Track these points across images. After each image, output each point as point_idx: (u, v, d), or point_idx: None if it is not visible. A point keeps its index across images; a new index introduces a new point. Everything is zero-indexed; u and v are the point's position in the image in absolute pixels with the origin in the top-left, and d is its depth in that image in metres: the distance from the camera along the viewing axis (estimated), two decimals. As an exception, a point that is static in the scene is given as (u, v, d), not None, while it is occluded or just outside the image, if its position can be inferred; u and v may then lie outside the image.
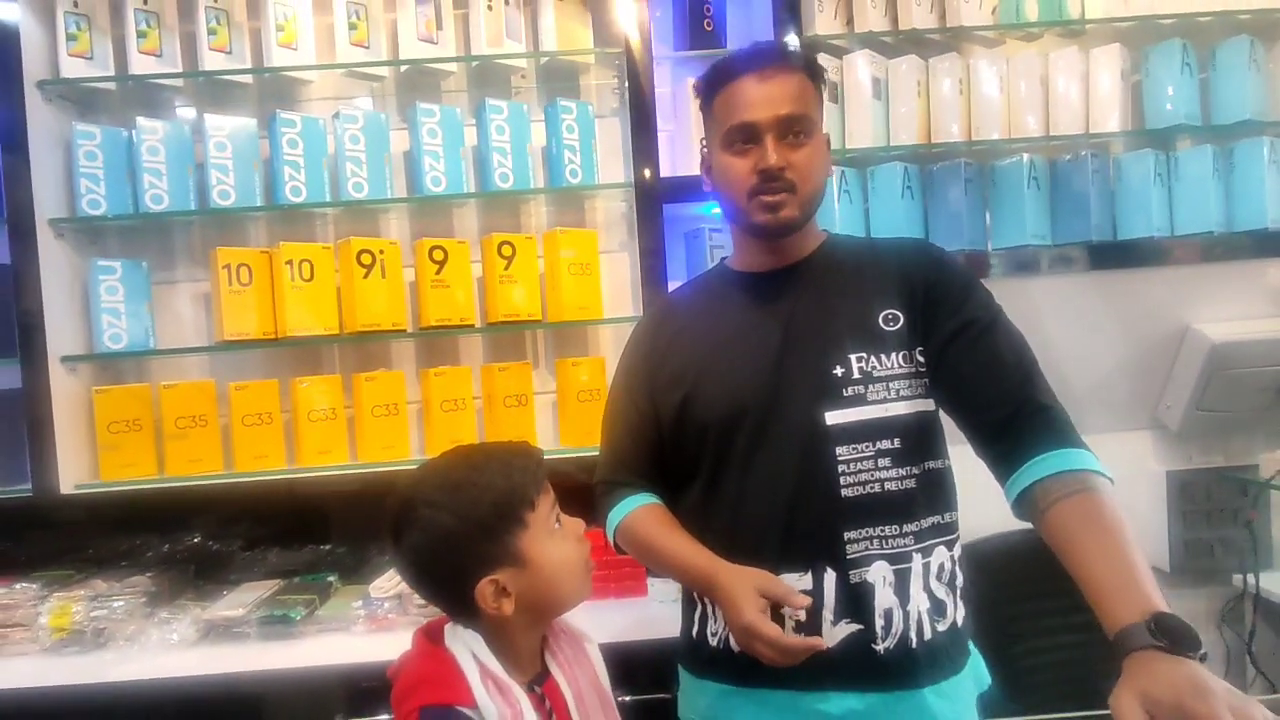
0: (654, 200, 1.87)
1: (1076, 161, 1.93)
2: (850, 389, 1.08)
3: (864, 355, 1.09)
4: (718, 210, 1.99)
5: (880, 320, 1.11)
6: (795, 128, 1.10)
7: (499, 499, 0.93)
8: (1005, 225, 1.95)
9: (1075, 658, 1.80)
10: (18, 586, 1.74)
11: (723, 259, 1.30)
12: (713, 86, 1.16)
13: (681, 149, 2.00)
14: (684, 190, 1.89)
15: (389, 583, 1.73)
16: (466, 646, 0.93)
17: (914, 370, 1.10)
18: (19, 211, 1.80)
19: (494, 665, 0.92)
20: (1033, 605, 1.84)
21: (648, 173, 1.87)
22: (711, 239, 1.92)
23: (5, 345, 1.85)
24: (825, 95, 1.19)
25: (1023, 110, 1.96)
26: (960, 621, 1.13)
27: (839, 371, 1.09)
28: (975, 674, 1.16)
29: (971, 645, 1.17)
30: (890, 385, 1.09)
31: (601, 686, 1.04)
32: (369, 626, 1.69)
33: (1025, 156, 1.92)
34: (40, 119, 1.84)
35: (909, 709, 1.07)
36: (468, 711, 0.89)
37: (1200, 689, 0.73)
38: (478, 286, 1.98)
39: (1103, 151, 1.97)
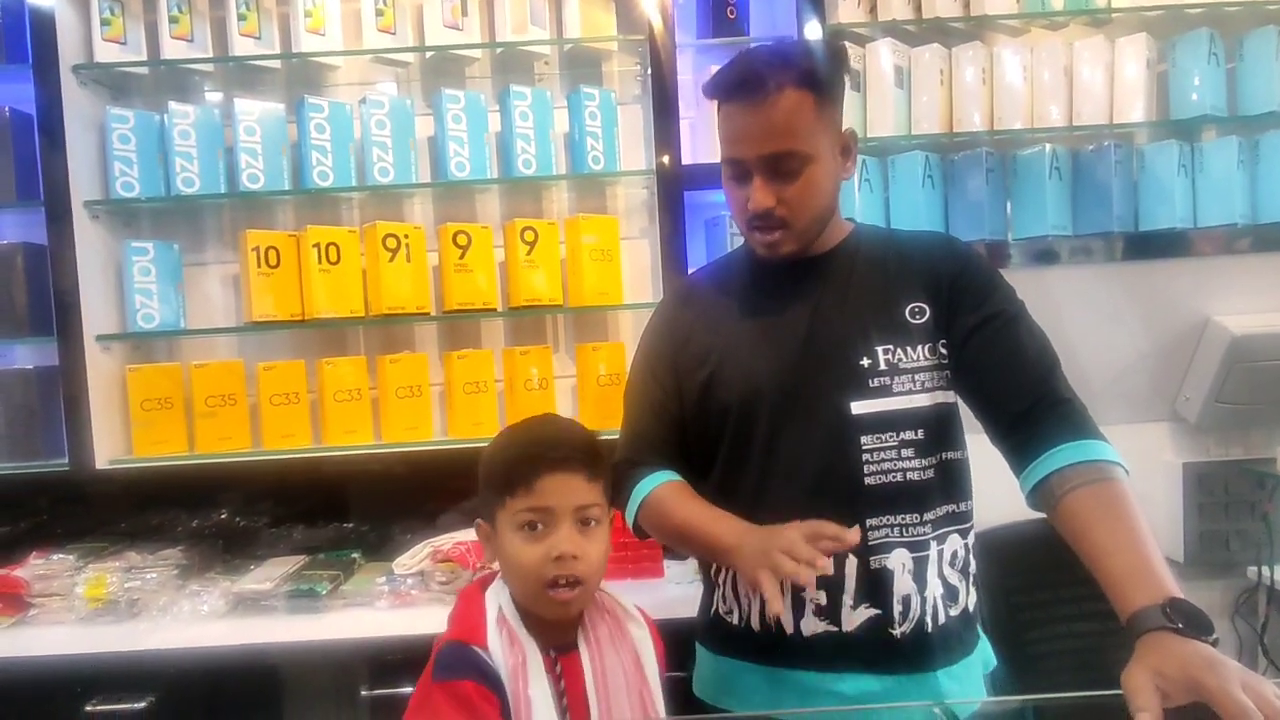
0: (675, 187, 1.89)
1: (1100, 152, 1.92)
2: (876, 380, 1.10)
3: (890, 347, 1.11)
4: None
5: (907, 313, 1.12)
6: (784, 166, 1.07)
7: (491, 469, 0.99)
8: (1026, 215, 1.95)
9: (1083, 646, 1.82)
10: (55, 557, 1.80)
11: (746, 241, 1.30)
12: (713, 99, 1.14)
13: (703, 136, 2.01)
14: (705, 178, 1.90)
15: (412, 560, 1.77)
16: (496, 597, 0.99)
17: (937, 362, 1.12)
18: (55, 193, 1.85)
19: (512, 617, 0.97)
20: (1042, 594, 1.85)
21: (669, 160, 1.89)
22: (732, 226, 1.93)
23: (43, 324, 1.90)
24: (845, 86, 1.16)
25: (1046, 100, 1.95)
26: (971, 607, 1.16)
27: (865, 363, 1.10)
28: (983, 656, 1.19)
29: (979, 628, 1.19)
30: (915, 377, 1.10)
31: (641, 669, 1.02)
32: (392, 602, 1.74)
33: (1048, 146, 1.92)
34: (75, 103, 1.88)
35: (922, 691, 1.09)
36: (479, 651, 0.94)
37: (1213, 665, 0.75)
38: (500, 271, 2.01)
39: (1126, 142, 1.96)
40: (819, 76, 1.08)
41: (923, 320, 1.12)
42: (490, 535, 1.01)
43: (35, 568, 1.77)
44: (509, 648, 0.94)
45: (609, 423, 1.93)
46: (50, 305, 1.86)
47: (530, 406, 1.95)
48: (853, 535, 0.96)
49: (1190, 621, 0.80)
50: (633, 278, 2.04)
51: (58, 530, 1.96)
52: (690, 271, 1.36)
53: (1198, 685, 0.74)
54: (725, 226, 1.96)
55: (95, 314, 1.90)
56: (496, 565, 1.03)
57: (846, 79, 1.17)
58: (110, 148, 1.89)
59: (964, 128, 1.95)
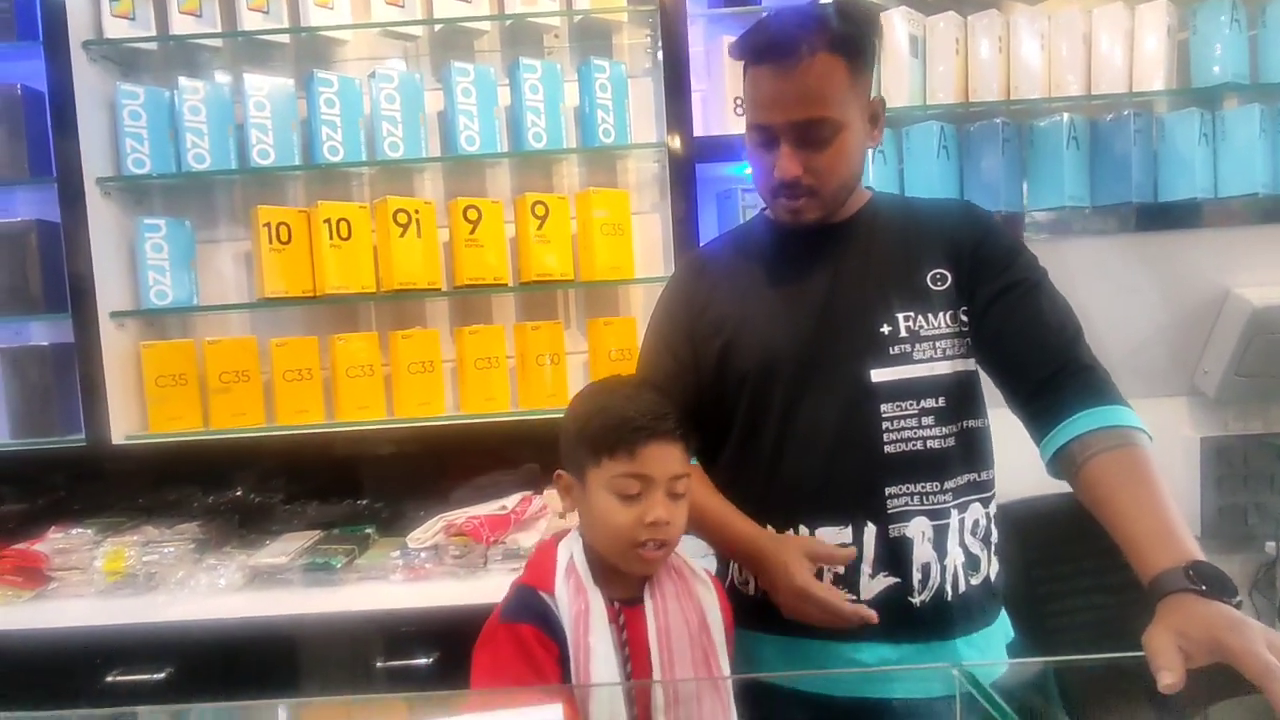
0: (687, 160, 1.87)
1: (1119, 121, 1.89)
2: (896, 347, 1.09)
3: (911, 314, 1.10)
4: (750, 171, 1.99)
5: (928, 280, 1.11)
6: (815, 134, 1.05)
7: (589, 429, 0.99)
8: (1043, 186, 1.93)
9: (1101, 619, 1.81)
10: (74, 532, 1.82)
11: (763, 209, 1.27)
12: (741, 61, 1.11)
13: (714, 109, 1.99)
14: (716, 150, 1.89)
15: (426, 534, 1.78)
16: (568, 547, 1.03)
17: (958, 330, 1.11)
18: (68, 170, 1.85)
19: (581, 565, 1.00)
20: (1061, 568, 1.85)
21: (680, 133, 1.87)
22: (744, 199, 1.91)
23: (57, 301, 1.91)
24: (878, 52, 1.13)
25: (1064, 69, 1.92)
26: (993, 576, 1.15)
27: (886, 330, 1.09)
28: (1002, 627, 1.18)
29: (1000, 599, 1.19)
30: (937, 344, 1.09)
31: (706, 628, 1.02)
32: (406, 576, 1.74)
33: (1066, 116, 1.89)
34: (86, 79, 1.88)
35: (941, 659, 1.08)
36: (544, 596, 0.98)
37: (1236, 625, 0.74)
38: (510, 246, 2.00)
39: (1146, 111, 1.93)
40: (853, 41, 1.05)
41: (944, 287, 1.11)
42: (573, 488, 1.03)
43: (54, 542, 1.79)
44: (574, 595, 0.97)
45: (621, 398, 1.94)
46: (64, 282, 1.87)
47: (542, 382, 1.95)
48: (846, 555, 1.05)
49: (1213, 583, 0.79)
50: (644, 252, 2.03)
51: (76, 505, 1.97)
52: (703, 243, 1.34)
53: (1221, 646, 0.74)
54: (737, 200, 1.94)
55: (109, 291, 1.91)
56: (570, 516, 1.06)
57: (878, 44, 1.15)
58: (121, 124, 1.89)
59: (980, 98, 1.92)
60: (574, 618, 0.95)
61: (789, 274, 1.16)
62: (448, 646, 1.60)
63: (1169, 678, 0.73)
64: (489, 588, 1.69)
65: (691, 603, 1.03)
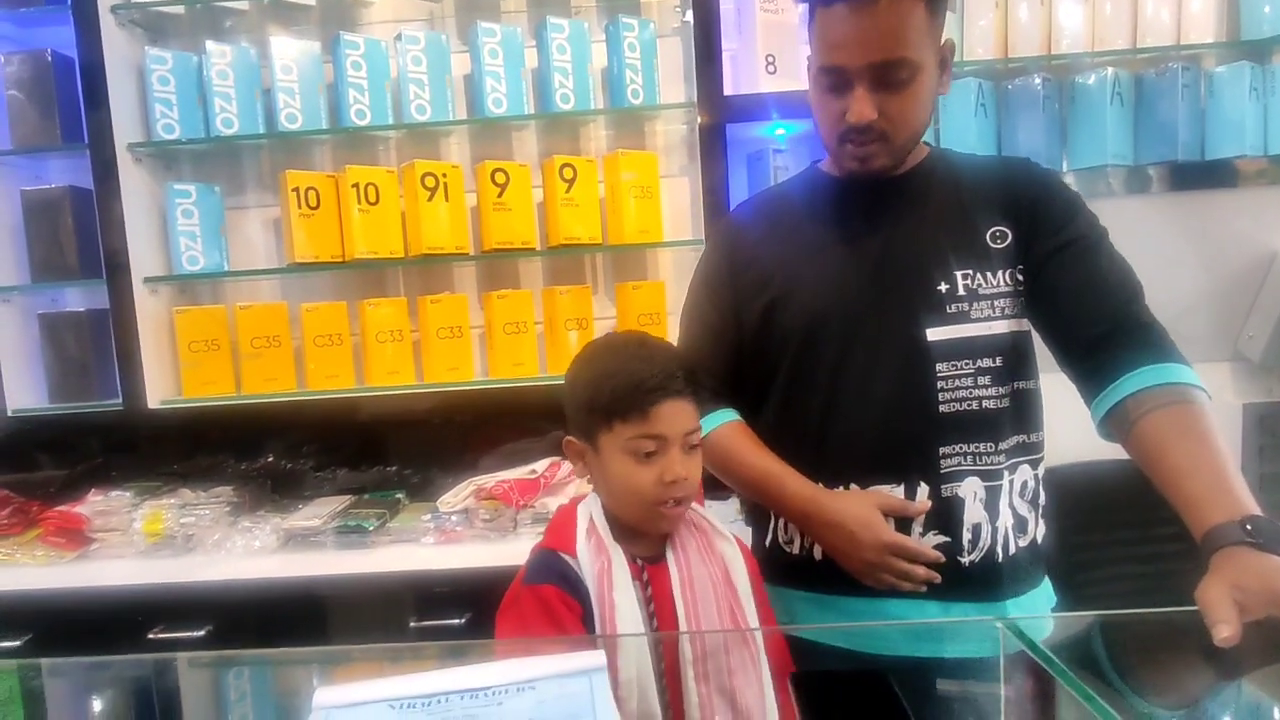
0: (717, 121, 1.84)
1: (1165, 76, 1.83)
2: (954, 305, 1.07)
3: (970, 272, 1.07)
4: (781, 131, 1.96)
5: (988, 237, 1.08)
6: (892, 76, 1.00)
7: (596, 394, 0.97)
8: (1084, 145, 1.87)
9: (1137, 589, 1.79)
10: (113, 494, 1.85)
11: (814, 162, 1.24)
12: (806, 4, 1.06)
13: (745, 68, 1.95)
14: (748, 109, 1.85)
15: (456, 497, 1.79)
16: (587, 507, 1.02)
17: (1015, 289, 1.08)
18: (99, 136, 1.86)
19: (601, 526, 0.99)
20: (1096, 535, 1.82)
21: (710, 93, 1.83)
22: (775, 159, 1.88)
23: (92, 267, 1.93)
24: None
25: (1108, 22, 1.85)
26: (1040, 539, 1.13)
27: (944, 288, 1.07)
28: (1046, 591, 1.17)
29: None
30: (995, 303, 1.07)
31: (732, 584, 1.01)
32: (438, 538, 1.76)
33: (1110, 71, 1.83)
34: (115, 44, 1.88)
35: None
36: (567, 558, 0.97)
37: None
38: (538, 211, 1.99)
39: (1194, 65, 1.86)
40: None
41: (1003, 245, 1.08)
42: (584, 453, 1.01)
43: (94, 504, 1.83)
44: (596, 554, 0.96)
45: (650, 362, 1.93)
46: (98, 249, 1.89)
47: (570, 347, 1.94)
48: (919, 508, 1.04)
49: (1271, 536, 0.77)
50: (673, 215, 2.00)
51: (113, 470, 2.01)
52: (745, 199, 1.30)
53: (1279, 598, 0.72)
54: (769, 161, 1.90)
55: (142, 257, 1.93)
56: (581, 481, 1.05)
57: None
58: (150, 89, 1.89)
59: (1020, 53, 1.87)
60: (597, 575, 0.95)
61: (842, 230, 1.13)
62: (480, 607, 1.61)
63: (1226, 630, 0.71)
64: (519, 550, 1.66)
65: (714, 557, 1.02)
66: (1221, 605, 0.73)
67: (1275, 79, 1.83)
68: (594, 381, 0.98)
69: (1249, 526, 0.78)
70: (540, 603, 0.94)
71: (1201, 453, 0.88)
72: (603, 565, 0.95)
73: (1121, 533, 1.79)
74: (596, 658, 0.67)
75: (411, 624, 1.63)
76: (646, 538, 1.01)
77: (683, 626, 0.95)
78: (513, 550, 1.69)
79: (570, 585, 0.95)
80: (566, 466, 1.87)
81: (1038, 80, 1.84)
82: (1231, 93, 1.82)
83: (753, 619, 1.00)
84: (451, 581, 1.63)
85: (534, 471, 1.81)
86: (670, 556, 1.00)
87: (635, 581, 0.96)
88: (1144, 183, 1.87)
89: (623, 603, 0.94)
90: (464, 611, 1.62)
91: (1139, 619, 0.89)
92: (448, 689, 0.66)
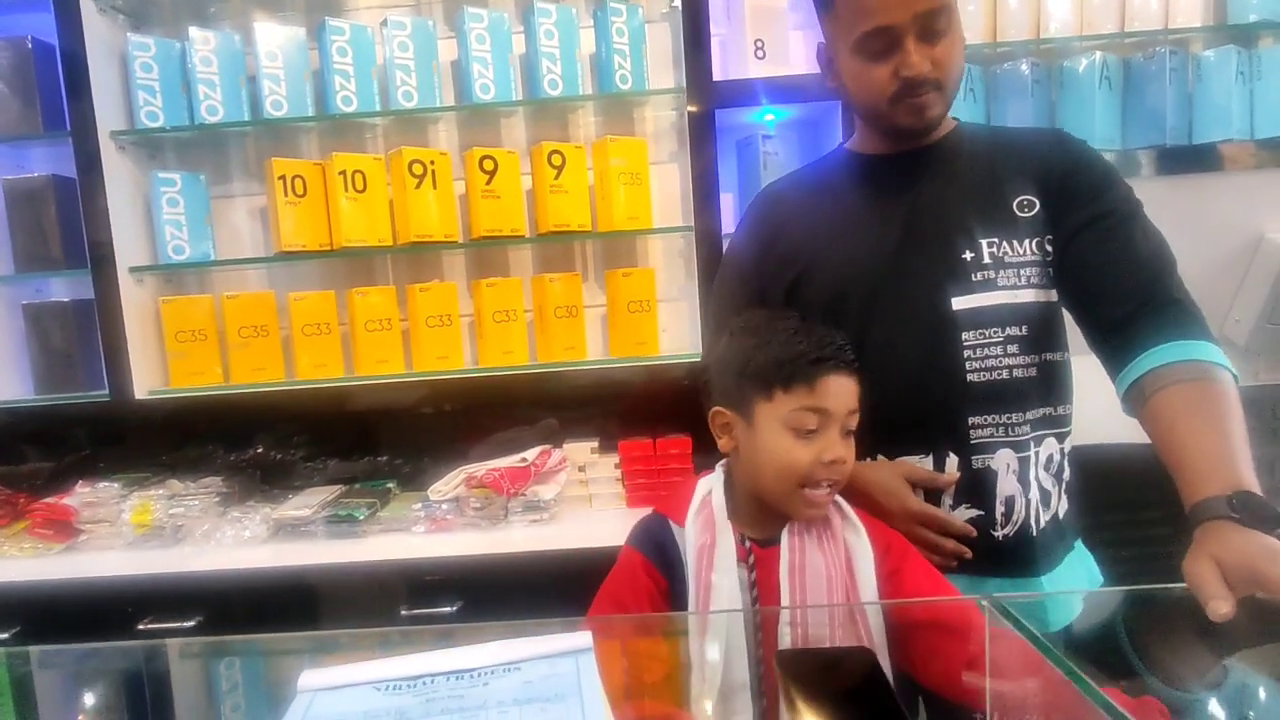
0: (706, 105, 1.83)
1: (1153, 60, 1.83)
2: (980, 274, 1.06)
3: (996, 240, 1.07)
4: (770, 117, 1.95)
5: (1015, 206, 1.08)
6: (937, 23, 1.01)
7: (758, 361, 0.94)
8: (1072, 128, 1.82)
9: (1156, 569, 1.78)
10: (100, 486, 1.84)
11: (841, 144, 1.25)
12: None
13: (733, 53, 1.94)
14: (736, 95, 1.84)
15: (447, 486, 1.79)
16: (709, 481, 1.00)
17: (1043, 259, 1.08)
18: (81, 124, 1.84)
19: (718, 502, 0.97)
20: (1122, 515, 1.81)
21: (699, 79, 1.82)
22: (764, 145, 1.87)
23: (76, 257, 1.91)
24: None
25: (1096, 7, 1.86)
26: (1062, 514, 1.12)
27: (968, 256, 1.07)
28: (1089, 573, 1.16)
29: (1081, 544, 1.17)
30: (1021, 272, 1.07)
31: (852, 573, 0.94)
32: (428, 527, 1.76)
33: (1098, 55, 1.83)
34: (96, 31, 1.85)
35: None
36: (674, 526, 0.96)
37: (1276, 557, 0.72)
38: (527, 198, 1.98)
39: (1181, 49, 1.86)
40: None
41: (1031, 214, 1.08)
42: (734, 425, 0.98)
43: (82, 496, 1.82)
44: (702, 530, 0.94)
45: (640, 349, 1.93)
46: (83, 238, 1.87)
47: (560, 334, 1.94)
48: (948, 480, 1.05)
49: (1255, 513, 0.77)
50: (662, 202, 2.00)
51: (100, 462, 2.00)
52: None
53: (1259, 577, 0.72)
54: (757, 147, 1.90)
55: (127, 246, 1.91)
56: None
57: None
58: (133, 77, 1.87)
59: (1008, 38, 1.86)
60: (698, 551, 0.92)
61: (868, 204, 1.14)
62: (472, 594, 1.62)
63: (1223, 606, 0.70)
64: (510, 538, 1.70)
65: (835, 545, 0.95)
66: (1211, 581, 0.73)
67: (1262, 63, 1.83)
68: (751, 348, 0.95)
69: (1234, 501, 0.78)
70: (629, 565, 0.95)
71: (1205, 426, 0.87)
72: (706, 542, 0.93)
73: (1146, 513, 1.77)
74: (584, 638, 0.67)
75: (403, 612, 1.63)
76: (766, 518, 0.96)
77: (783, 617, 0.90)
78: (504, 538, 1.70)
79: (663, 558, 0.94)
80: (557, 455, 1.87)
81: (1026, 65, 1.84)
82: (1219, 77, 1.83)
83: (874, 614, 0.92)
84: (443, 570, 1.63)
85: (524, 459, 1.81)
86: (785, 540, 0.95)
87: (741, 564, 0.93)
88: (1132, 166, 1.87)
89: (722, 584, 0.91)
90: (455, 599, 1.62)
91: (1134, 595, 0.88)
92: (433, 671, 0.66)
